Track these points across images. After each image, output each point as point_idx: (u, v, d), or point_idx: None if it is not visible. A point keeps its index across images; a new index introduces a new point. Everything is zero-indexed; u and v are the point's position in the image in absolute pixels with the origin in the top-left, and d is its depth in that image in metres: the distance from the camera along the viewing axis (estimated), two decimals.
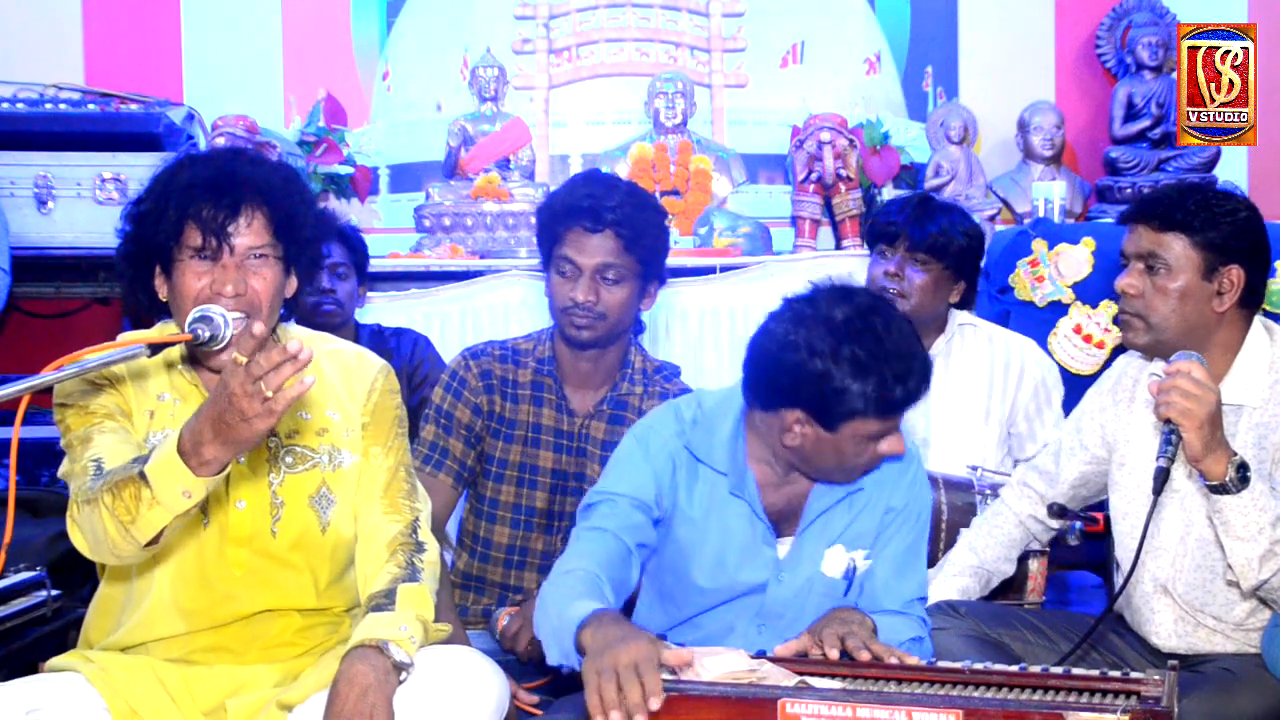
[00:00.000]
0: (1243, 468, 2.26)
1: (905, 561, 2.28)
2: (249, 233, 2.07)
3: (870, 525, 2.27)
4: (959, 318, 3.25)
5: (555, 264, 2.72)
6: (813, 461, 2.18)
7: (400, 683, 2.03)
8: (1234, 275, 2.40)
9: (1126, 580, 2.41)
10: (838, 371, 2.07)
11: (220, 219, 2.05)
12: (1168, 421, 2.25)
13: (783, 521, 2.27)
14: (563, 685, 2.46)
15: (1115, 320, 3.90)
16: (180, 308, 2.07)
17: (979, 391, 3.21)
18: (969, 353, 3.24)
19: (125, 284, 2.16)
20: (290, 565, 2.16)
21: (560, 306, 2.71)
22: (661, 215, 2.78)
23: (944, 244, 3.12)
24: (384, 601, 2.12)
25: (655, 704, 1.80)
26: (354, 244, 3.75)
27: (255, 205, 2.08)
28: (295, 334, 2.25)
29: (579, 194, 2.70)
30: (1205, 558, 2.43)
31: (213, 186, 2.06)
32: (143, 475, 1.88)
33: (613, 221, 2.65)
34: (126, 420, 2.11)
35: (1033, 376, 3.23)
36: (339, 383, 2.24)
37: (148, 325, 2.23)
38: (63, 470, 2.12)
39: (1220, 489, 2.26)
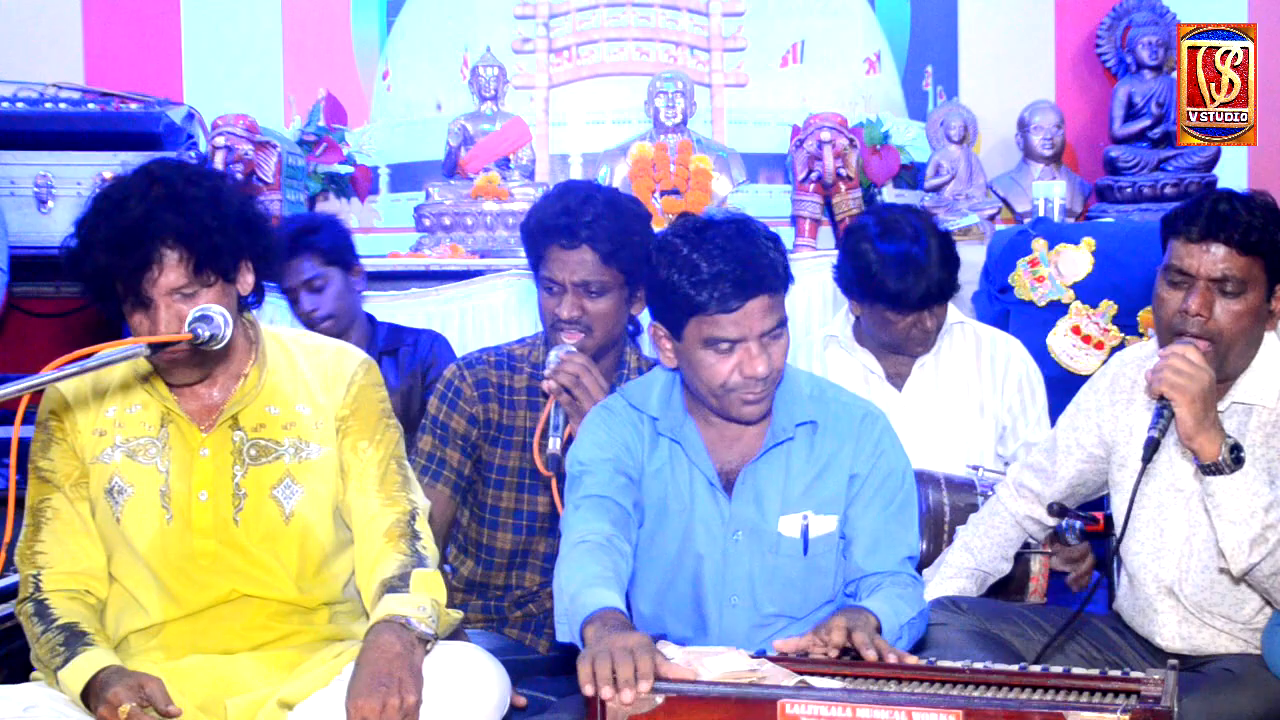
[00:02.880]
0: (1236, 449, 2.28)
1: (890, 526, 2.30)
2: (167, 278, 2.07)
3: (834, 488, 2.30)
4: (949, 316, 3.27)
5: (541, 281, 2.71)
6: (692, 384, 2.27)
7: (427, 653, 2.07)
8: None
9: (1120, 538, 2.44)
10: (665, 270, 2.20)
11: (133, 273, 2.06)
12: (1161, 398, 2.29)
13: (737, 481, 2.31)
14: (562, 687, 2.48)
15: (1115, 320, 3.91)
16: (133, 335, 2.11)
17: (971, 387, 3.23)
18: (958, 350, 3.26)
19: (85, 296, 2.17)
20: (255, 554, 2.19)
21: (549, 322, 2.72)
22: (643, 221, 2.73)
23: (953, 281, 3.16)
24: (399, 584, 2.16)
25: (645, 686, 1.83)
26: (324, 245, 3.65)
27: (167, 249, 2.06)
28: (270, 333, 2.28)
29: (553, 211, 2.67)
30: (1212, 558, 2.43)
31: (120, 243, 2.06)
32: (60, 662, 2.09)
33: (589, 237, 2.62)
34: (71, 482, 2.19)
35: (1016, 371, 3.25)
36: (314, 378, 2.27)
37: None
38: (17, 549, 2.21)
39: (1213, 469, 2.28)
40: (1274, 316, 2.43)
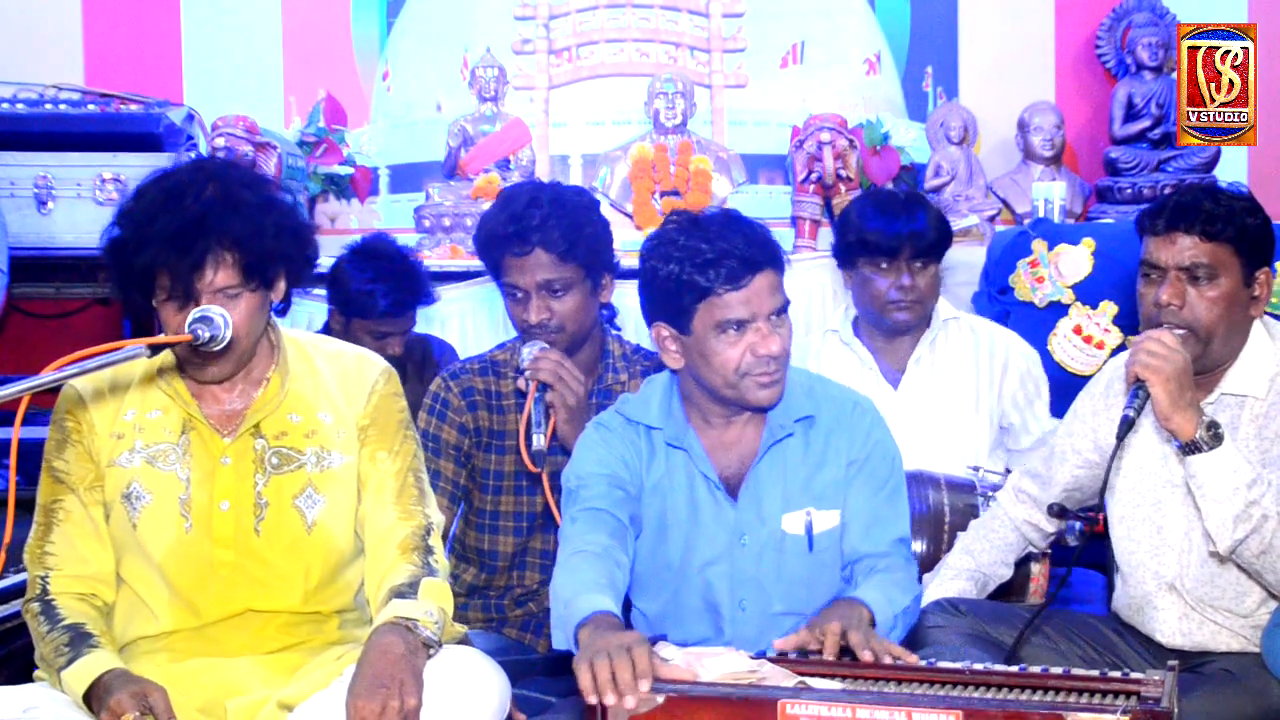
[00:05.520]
0: (1214, 426, 2.31)
1: (881, 508, 2.32)
2: (217, 278, 2.08)
3: (833, 481, 2.31)
4: (943, 312, 3.27)
5: (504, 289, 2.73)
6: (702, 380, 2.26)
7: (430, 657, 2.06)
8: (1265, 278, 2.44)
9: (1104, 500, 2.45)
10: (661, 264, 2.21)
11: (185, 271, 2.06)
12: (1137, 380, 2.33)
13: (741, 485, 2.32)
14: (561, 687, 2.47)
15: (1115, 321, 3.92)
16: (166, 330, 2.10)
17: (967, 383, 3.23)
18: (954, 346, 3.26)
19: (117, 288, 2.17)
20: (276, 564, 2.18)
21: (520, 329, 2.73)
22: (593, 210, 2.75)
23: (937, 240, 3.18)
24: (407, 591, 2.15)
25: (645, 685, 1.83)
26: (408, 309, 3.68)
27: (222, 250, 2.07)
28: (291, 338, 2.27)
29: (500, 220, 2.68)
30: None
31: (176, 240, 2.05)
32: (65, 662, 2.07)
33: (540, 240, 2.63)
34: (85, 485, 2.17)
35: (1018, 367, 3.25)
36: (335, 385, 2.25)
37: (149, 325, 2.24)
38: (26, 547, 2.20)
39: (1192, 448, 2.31)
40: (1257, 301, 2.45)
